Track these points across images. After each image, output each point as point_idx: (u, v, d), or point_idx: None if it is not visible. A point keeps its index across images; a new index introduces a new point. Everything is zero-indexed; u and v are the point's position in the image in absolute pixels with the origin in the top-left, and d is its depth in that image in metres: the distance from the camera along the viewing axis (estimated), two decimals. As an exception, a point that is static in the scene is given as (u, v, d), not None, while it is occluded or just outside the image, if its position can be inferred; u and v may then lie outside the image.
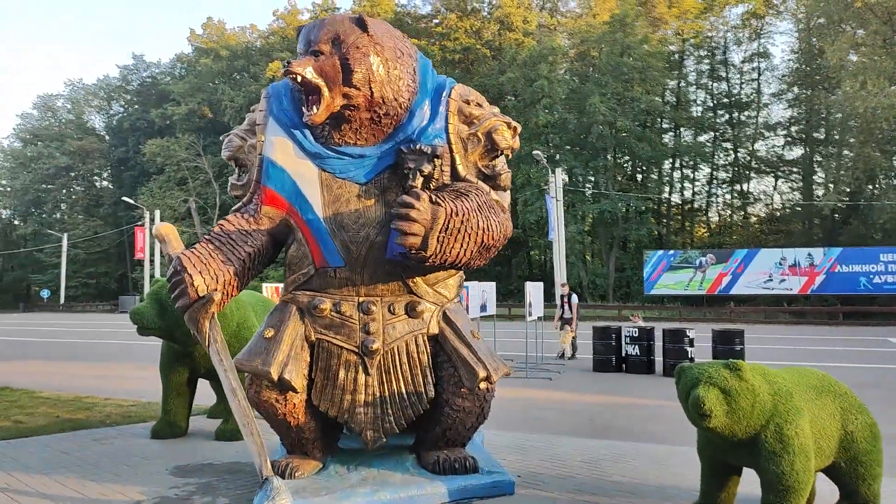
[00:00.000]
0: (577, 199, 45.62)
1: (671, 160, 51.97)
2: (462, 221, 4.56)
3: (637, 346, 14.41)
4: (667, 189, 52.88)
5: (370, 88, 4.75)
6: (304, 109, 4.80)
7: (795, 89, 49.41)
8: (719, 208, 54.59)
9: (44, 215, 71.15)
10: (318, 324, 4.99)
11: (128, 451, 6.62)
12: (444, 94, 5.13)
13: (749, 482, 4.61)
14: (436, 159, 4.87)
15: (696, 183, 54.07)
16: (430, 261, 4.56)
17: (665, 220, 52.62)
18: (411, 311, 5.03)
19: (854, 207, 42.67)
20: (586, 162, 46.87)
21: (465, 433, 5.24)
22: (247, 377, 5.01)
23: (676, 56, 53.04)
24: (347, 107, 4.78)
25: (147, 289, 27.96)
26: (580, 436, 7.70)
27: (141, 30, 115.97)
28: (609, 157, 48.30)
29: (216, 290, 4.71)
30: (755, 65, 51.73)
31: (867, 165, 40.10)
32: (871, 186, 43.31)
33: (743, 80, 52.91)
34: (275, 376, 4.78)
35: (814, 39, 44.92)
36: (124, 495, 5.14)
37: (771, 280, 35.37)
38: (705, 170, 52.77)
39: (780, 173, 51.26)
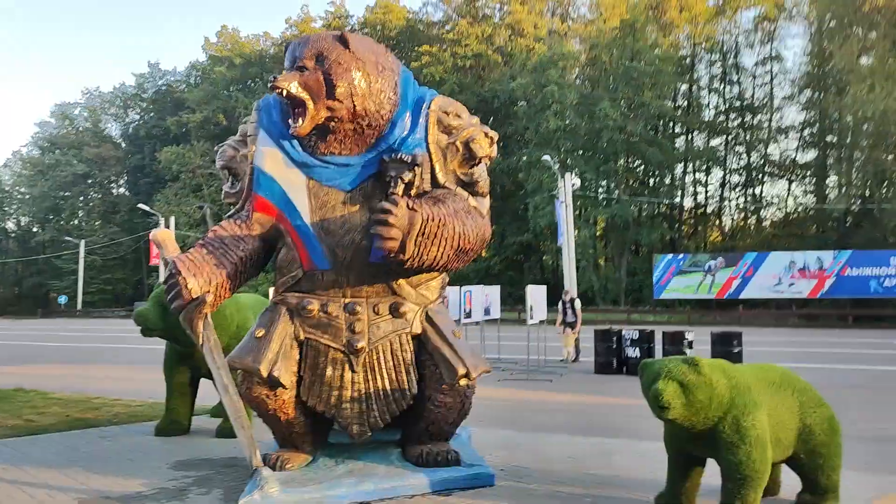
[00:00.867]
0: (589, 204, 45.72)
1: (683, 164, 51.92)
2: (438, 226, 4.81)
3: (637, 349, 14.60)
4: (679, 193, 52.80)
5: (352, 101, 5.02)
6: (290, 122, 5.08)
7: (808, 92, 49.19)
8: (732, 212, 54.50)
9: (62, 222, 72.03)
10: (307, 324, 5.24)
11: (132, 447, 6.93)
12: (425, 105, 5.38)
13: (714, 474, 4.81)
14: (416, 168, 5.12)
15: (709, 187, 54.01)
16: (408, 263, 4.82)
17: (677, 225, 52.55)
18: (395, 311, 5.27)
19: (866, 211, 42.51)
20: (597, 167, 46.95)
21: (447, 428, 5.50)
22: (239, 374, 5.28)
23: (688, 60, 52.95)
24: (331, 119, 5.05)
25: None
26: (571, 433, 7.84)
27: (156, 38, 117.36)
28: (620, 161, 48.38)
29: (209, 292, 4.98)
30: (768, 68, 51.69)
31: (878, 168, 39.96)
32: (885, 189, 43.10)
33: (755, 84, 52.80)
34: (264, 373, 5.05)
35: (825, 42, 44.80)
36: (126, 487, 5.43)
37: (780, 283, 35.28)
38: (718, 174, 52.74)
39: (793, 177, 51.03)
